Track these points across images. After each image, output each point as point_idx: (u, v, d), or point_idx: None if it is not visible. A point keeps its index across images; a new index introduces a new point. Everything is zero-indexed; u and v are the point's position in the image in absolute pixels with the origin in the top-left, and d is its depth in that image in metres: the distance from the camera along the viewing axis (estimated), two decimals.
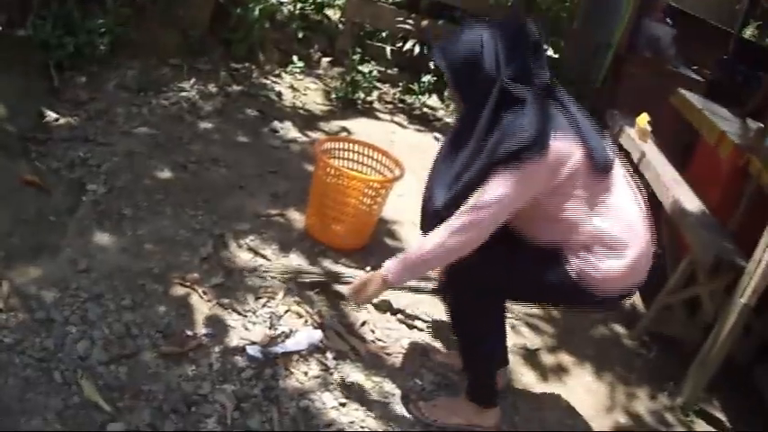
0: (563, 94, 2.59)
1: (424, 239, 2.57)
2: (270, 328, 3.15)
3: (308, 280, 3.47)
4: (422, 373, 3.22)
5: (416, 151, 5.24)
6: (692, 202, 3.79)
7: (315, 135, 5.25)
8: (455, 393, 3.10)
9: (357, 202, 3.69)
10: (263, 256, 3.62)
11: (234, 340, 3.04)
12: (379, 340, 3.34)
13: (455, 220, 2.45)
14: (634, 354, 3.99)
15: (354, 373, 3.09)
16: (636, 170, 4.31)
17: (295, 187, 4.38)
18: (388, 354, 3.27)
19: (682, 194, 3.86)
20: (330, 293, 3.48)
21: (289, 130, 5.22)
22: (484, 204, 2.40)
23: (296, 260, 3.68)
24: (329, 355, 3.13)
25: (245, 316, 3.19)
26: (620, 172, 2.63)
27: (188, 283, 3.24)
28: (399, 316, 3.52)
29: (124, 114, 4.65)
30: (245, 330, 3.11)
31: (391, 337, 3.40)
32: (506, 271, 2.64)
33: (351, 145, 4.09)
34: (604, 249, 2.50)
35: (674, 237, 4.07)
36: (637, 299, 4.34)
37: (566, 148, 2.42)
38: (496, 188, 2.39)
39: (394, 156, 3.98)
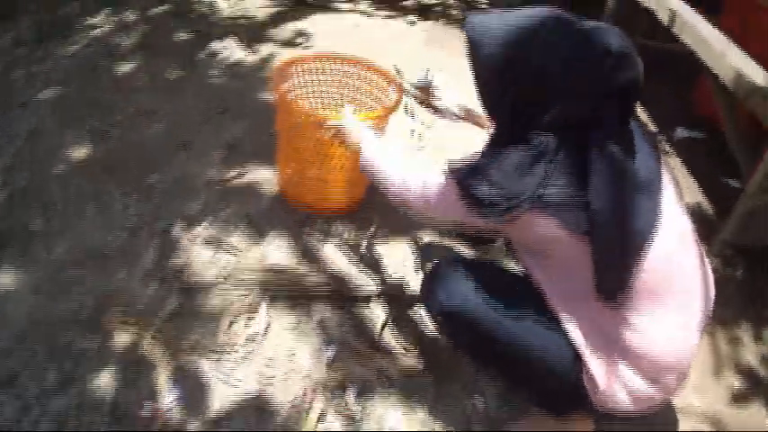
0: (642, 144, 1.66)
1: (409, 178, 1.92)
2: (259, 370, 2.15)
3: (294, 289, 2.43)
4: (480, 384, 2.23)
5: (393, 42, 4.10)
6: (756, 73, 2.68)
7: (265, 49, 4.11)
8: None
9: (343, 151, 2.55)
10: (229, 250, 2.57)
11: (215, 401, 2.05)
12: (412, 346, 2.35)
13: (439, 189, 1.79)
14: (719, 276, 2.93)
15: (391, 413, 2.12)
16: (668, 33, 3.18)
17: (253, 127, 3.31)
18: (428, 364, 2.27)
19: (740, 62, 2.75)
20: (331, 298, 2.46)
21: (231, 49, 4.09)
22: (441, 202, 1.80)
23: (274, 244, 2.65)
24: (350, 391, 2.13)
25: (219, 354, 2.19)
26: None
27: (132, 324, 2.20)
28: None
29: (23, 78, 3.54)
30: (225, 382, 2.14)
31: (425, 335, 2.40)
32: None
33: (317, 64, 2.92)
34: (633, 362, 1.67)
35: (736, 116, 2.98)
36: (706, 205, 3.28)
37: (550, 237, 1.61)
38: (452, 204, 1.74)
39: (380, 68, 2.87)
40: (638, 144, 1.63)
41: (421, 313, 2.41)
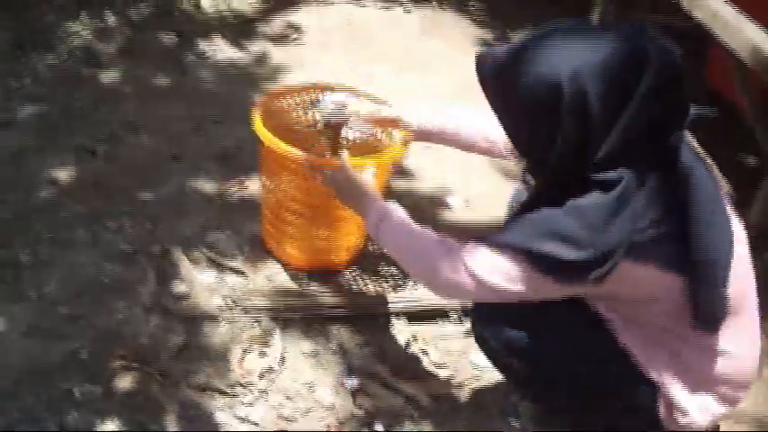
0: (699, 165, 1.45)
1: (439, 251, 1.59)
2: (277, 407, 1.95)
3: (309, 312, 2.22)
4: (516, 406, 2.03)
5: (388, 31, 3.87)
6: None
7: (255, 46, 3.88)
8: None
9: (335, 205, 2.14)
10: (234, 270, 2.36)
11: None
12: (441, 365, 2.14)
13: (454, 255, 1.53)
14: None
15: None
16: (672, 7, 2.95)
17: (250, 133, 3.04)
18: (460, 385, 2.08)
19: (757, 36, 2.53)
20: (348, 319, 2.26)
21: (219, 48, 3.84)
22: (482, 276, 1.48)
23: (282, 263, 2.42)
24: (379, 426, 1.94)
25: (234, 395, 1.98)
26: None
27: (135, 364, 2.00)
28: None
29: (1, 95, 3.27)
30: (242, 423, 1.95)
31: (453, 352, 2.20)
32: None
33: (307, 96, 2.45)
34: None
35: (754, 92, 2.75)
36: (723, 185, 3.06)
37: (645, 280, 1.42)
38: (510, 277, 1.45)
39: (380, 99, 2.33)
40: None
41: (446, 329, 2.21)
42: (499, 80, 1.40)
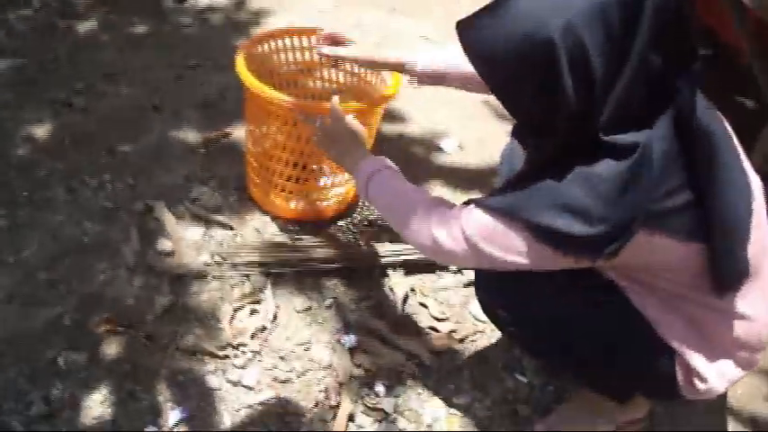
0: (712, 118, 1.28)
1: (416, 199, 1.48)
2: (271, 369, 1.85)
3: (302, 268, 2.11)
4: (520, 361, 1.93)
5: None
6: None
7: None
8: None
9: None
10: (221, 224, 2.24)
11: (225, 414, 1.76)
12: (441, 319, 2.03)
13: (447, 219, 1.39)
14: None
15: (429, 404, 1.83)
16: None
17: (232, 80, 2.90)
18: (462, 340, 1.98)
19: None
20: (343, 272, 2.14)
21: None
22: (483, 243, 1.32)
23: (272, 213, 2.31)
24: (380, 386, 1.83)
25: (225, 356, 1.87)
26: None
27: (121, 328, 1.89)
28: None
29: None
30: (235, 387, 1.84)
31: (454, 304, 2.09)
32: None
33: (292, 40, 2.31)
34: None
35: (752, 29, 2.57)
36: None
37: (660, 250, 1.27)
38: (509, 247, 1.29)
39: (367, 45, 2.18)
40: None
41: (446, 280, 2.10)
42: (482, 45, 1.22)
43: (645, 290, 1.41)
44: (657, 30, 1.11)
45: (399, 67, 1.85)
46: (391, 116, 2.86)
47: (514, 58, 1.15)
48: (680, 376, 1.44)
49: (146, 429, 1.71)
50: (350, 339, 1.93)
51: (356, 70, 2.27)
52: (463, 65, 1.70)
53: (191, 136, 2.65)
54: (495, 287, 1.55)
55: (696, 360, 1.41)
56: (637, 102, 1.14)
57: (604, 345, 1.45)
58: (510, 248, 1.27)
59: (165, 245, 2.17)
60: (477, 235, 1.31)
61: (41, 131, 2.62)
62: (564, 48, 1.09)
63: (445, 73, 1.80)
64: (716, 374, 1.41)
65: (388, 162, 1.59)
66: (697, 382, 1.43)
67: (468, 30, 1.21)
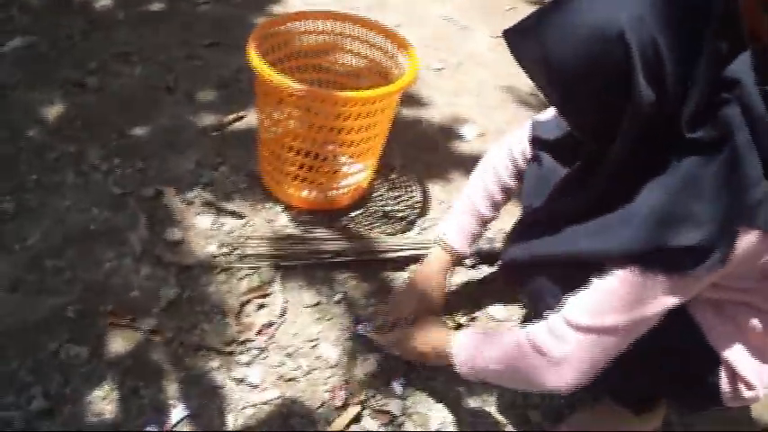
0: None
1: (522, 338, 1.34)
2: (277, 366, 1.77)
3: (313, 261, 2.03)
4: None
5: None
6: None
7: None
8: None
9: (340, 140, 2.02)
10: (231, 213, 2.16)
11: (229, 413, 1.70)
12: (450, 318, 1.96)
13: (586, 326, 1.23)
14: None
15: (437, 407, 1.76)
16: None
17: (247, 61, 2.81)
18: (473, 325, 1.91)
19: None
20: (357, 267, 2.07)
21: None
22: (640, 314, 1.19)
23: (283, 204, 2.24)
24: (387, 387, 1.77)
25: (230, 353, 1.80)
26: None
27: (126, 321, 1.83)
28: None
29: None
30: (239, 384, 1.77)
31: (468, 302, 2.02)
32: None
33: (306, 24, 2.23)
34: None
35: None
36: None
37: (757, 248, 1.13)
38: (656, 296, 1.16)
39: (386, 28, 2.21)
40: None
41: (460, 275, 2.02)
42: (540, 49, 1.12)
43: (705, 299, 1.32)
44: (723, 20, 1.03)
45: (450, 265, 1.79)
46: (412, 100, 2.76)
47: (577, 58, 1.07)
48: (724, 384, 1.34)
49: (147, 428, 1.63)
50: (366, 327, 1.83)
51: (372, 55, 2.17)
52: (478, 201, 1.63)
53: (204, 118, 2.57)
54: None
55: (744, 367, 1.33)
56: (708, 93, 1.05)
57: (650, 349, 1.34)
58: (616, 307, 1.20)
59: (173, 233, 2.10)
60: (586, 315, 1.22)
61: (52, 112, 2.55)
62: (637, 43, 1.02)
63: (479, 228, 1.77)
64: (761, 382, 1.33)
65: (470, 335, 1.49)
66: (743, 389, 1.33)
67: (520, 35, 1.12)
